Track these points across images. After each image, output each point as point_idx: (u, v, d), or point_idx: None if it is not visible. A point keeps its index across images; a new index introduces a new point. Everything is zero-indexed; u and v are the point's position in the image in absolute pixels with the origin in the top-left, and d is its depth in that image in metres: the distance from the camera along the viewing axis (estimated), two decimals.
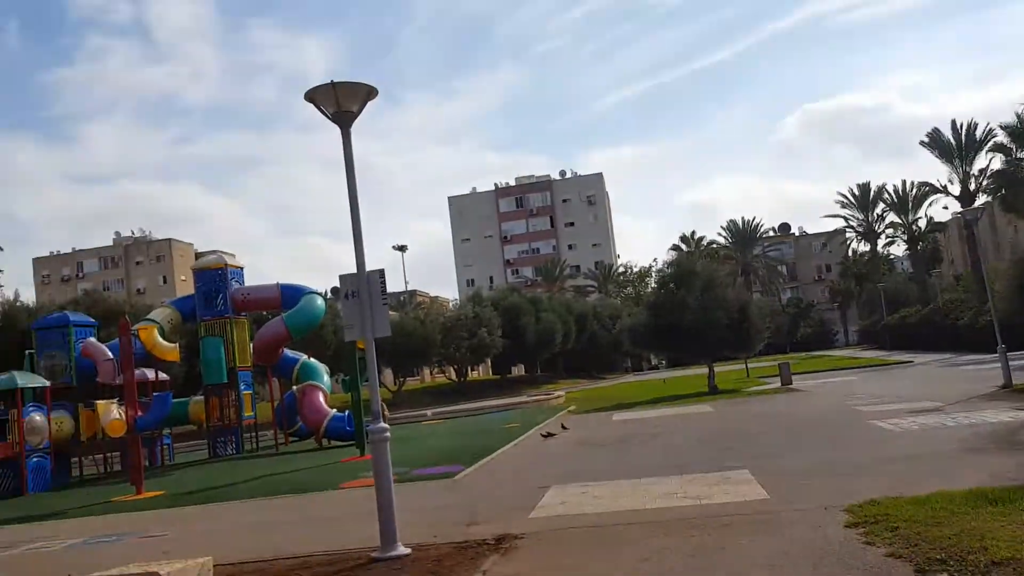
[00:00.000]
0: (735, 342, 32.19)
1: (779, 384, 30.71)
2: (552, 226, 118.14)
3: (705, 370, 33.33)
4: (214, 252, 28.88)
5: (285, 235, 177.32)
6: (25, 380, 21.24)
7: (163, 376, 25.87)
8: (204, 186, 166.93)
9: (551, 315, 58.04)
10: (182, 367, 34.01)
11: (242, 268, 26.70)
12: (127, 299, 68.69)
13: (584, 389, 48.08)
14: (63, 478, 22.85)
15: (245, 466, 21.02)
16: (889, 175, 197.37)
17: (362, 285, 8.44)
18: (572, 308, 65.24)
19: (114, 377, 20.33)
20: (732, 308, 31.43)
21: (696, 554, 7.00)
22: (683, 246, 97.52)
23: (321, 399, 23.95)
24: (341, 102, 8.30)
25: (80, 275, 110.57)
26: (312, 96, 8.27)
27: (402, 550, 8.05)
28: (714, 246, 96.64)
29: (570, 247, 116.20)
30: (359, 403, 19.65)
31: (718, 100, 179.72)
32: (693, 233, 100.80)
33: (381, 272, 8.54)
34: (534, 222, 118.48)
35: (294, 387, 25.44)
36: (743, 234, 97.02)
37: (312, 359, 25.96)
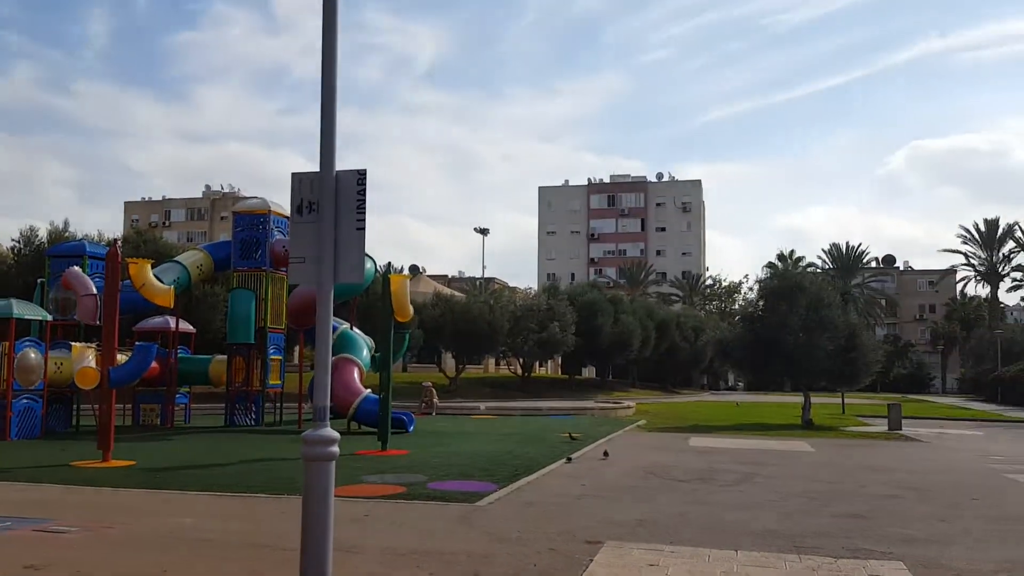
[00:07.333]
0: (839, 372, 27.98)
1: (886, 428, 26.27)
2: (643, 229, 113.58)
3: (790, 398, 29.23)
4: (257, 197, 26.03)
5: (375, 212, 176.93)
6: (23, 310, 18.69)
7: (186, 327, 23.19)
8: (305, 157, 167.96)
9: (630, 318, 53.73)
10: (224, 322, 31.50)
11: (288, 218, 23.73)
12: None
13: (657, 403, 43.91)
14: (59, 425, 20.38)
15: (249, 441, 18.11)
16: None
17: (326, 191, 5.01)
18: (654, 314, 60.50)
19: (95, 316, 17.55)
20: (840, 333, 27.36)
21: None
22: (779, 264, 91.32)
23: (355, 376, 20.77)
24: None
25: (167, 223, 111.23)
26: None
27: None
28: (812, 268, 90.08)
29: (658, 253, 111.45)
30: (388, 386, 16.43)
31: (824, 128, 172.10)
32: (792, 252, 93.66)
33: (360, 175, 5.09)
34: (624, 223, 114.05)
35: None
36: (845, 260, 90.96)
37: (354, 329, 22.79)
